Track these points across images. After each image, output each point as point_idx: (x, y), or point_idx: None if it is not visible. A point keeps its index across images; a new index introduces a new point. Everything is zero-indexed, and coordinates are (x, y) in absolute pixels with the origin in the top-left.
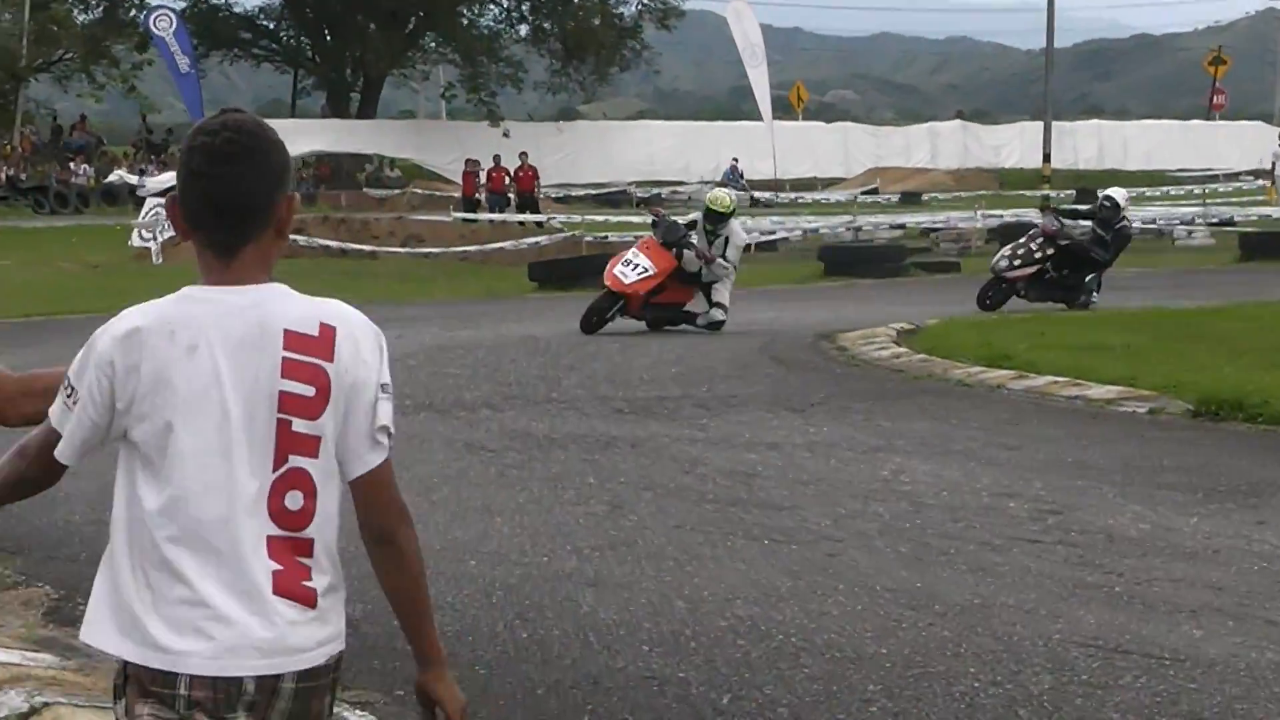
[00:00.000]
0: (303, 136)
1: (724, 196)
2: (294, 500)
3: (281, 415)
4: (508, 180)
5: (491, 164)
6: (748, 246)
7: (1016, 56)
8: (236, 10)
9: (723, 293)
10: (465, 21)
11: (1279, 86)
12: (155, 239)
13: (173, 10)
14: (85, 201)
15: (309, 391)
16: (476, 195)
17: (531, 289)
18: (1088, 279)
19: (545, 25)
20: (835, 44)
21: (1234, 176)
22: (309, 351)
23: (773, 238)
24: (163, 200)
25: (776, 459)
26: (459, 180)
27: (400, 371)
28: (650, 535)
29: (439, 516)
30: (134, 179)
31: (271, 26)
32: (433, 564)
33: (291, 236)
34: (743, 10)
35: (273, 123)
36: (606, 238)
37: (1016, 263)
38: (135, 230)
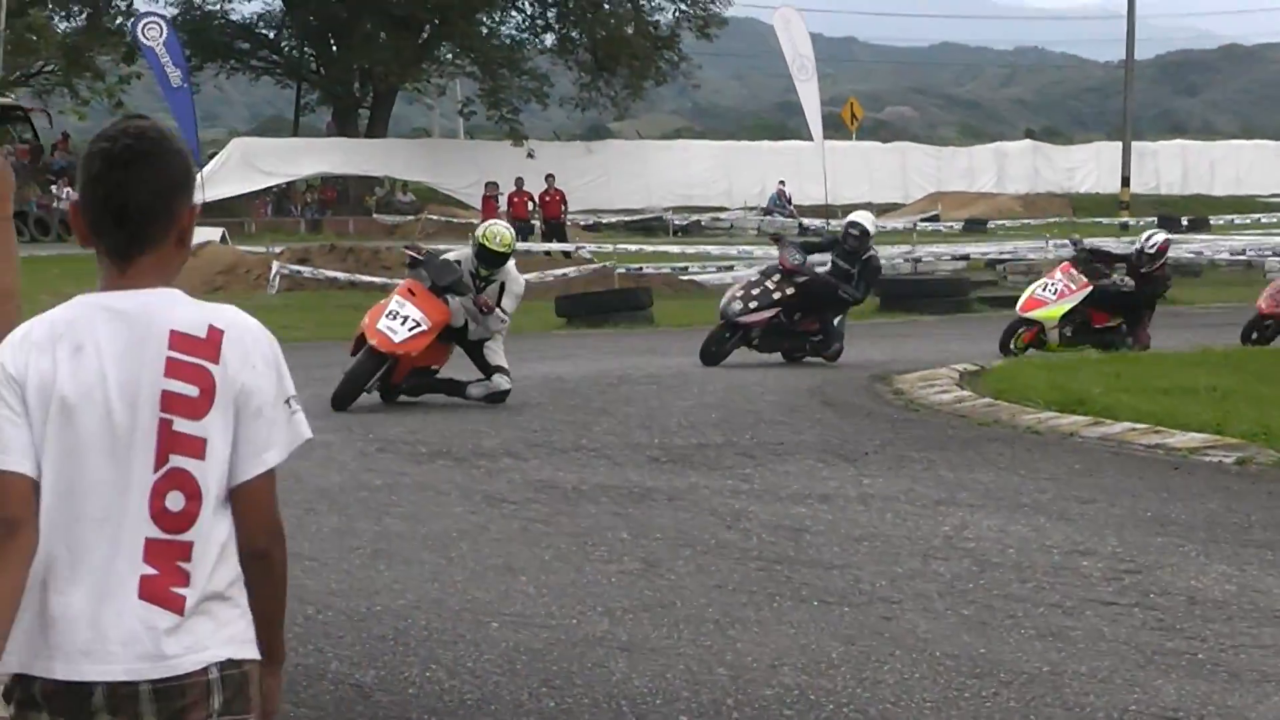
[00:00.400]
0: (307, 157)
1: (505, 233)
2: (175, 501)
3: (164, 414)
4: (532, 205)
5: (514, 187)
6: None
7: (1093, 69)
8: (233, 18)
9: (498, 353)
10: (485, 30)
11: None
12: None
13: (163, 18)
14: (68, 228)
15: (192, 391)
16: None
17: (559, 325)
18: (836, 322)
19: (573, 34)
20: (893, 55)
21: None
22: (194, 352)
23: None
24: None
25: (827, 513)
26: (478, 205)
27: (414, 416)
28: (689, 596)
29: (457, 575)
30: None
31: (271, 36)
32: (450, 626)
33: (295, 266)
34: (791, 18)
35: (270, 142)
36: (641, 269)
37: (752, 305)
38: None
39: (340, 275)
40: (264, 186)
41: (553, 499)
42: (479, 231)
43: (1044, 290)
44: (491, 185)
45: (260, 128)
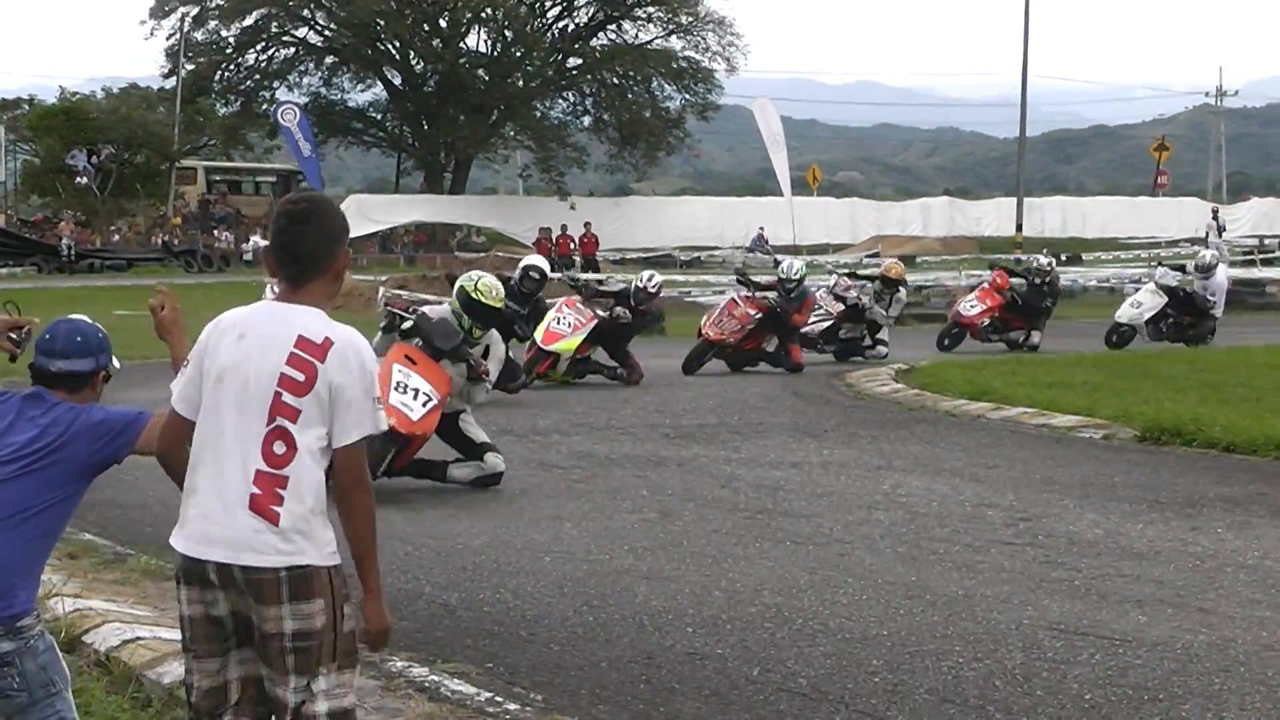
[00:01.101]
0: (404, 209)
1: (499, 285)
2: (279, 447)
3: (278, 389)
4: (573, 245)
5: (559, 231)
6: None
7: (995, 144)
8: (350, 104)
9: (476, 427)
10: (539, 114)
11: (1210, 170)
12: None
13: (297, 105)
14: (227, 262)
15: (300, 377)
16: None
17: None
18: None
19: (605, 117)
20: (845, 133)
21: (1174, 243)
22: (308, 351)
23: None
24: None
25: (797, 475)
26: (533, 245)
27: (486, 406)
28: (693, 538)
29: (519, 523)
30: (267, 244)
31: (379, 117)
32: (514, 560)
33: (396, 291)
34: (766, 106)
35: (378, 198)
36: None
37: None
38: (268, 286)
39: (430, 298)
40: (372, 231)
41: (590, 465)
42: (469, 284)
43: (558, 324)
44: (544, 230)
45: (370, 187)
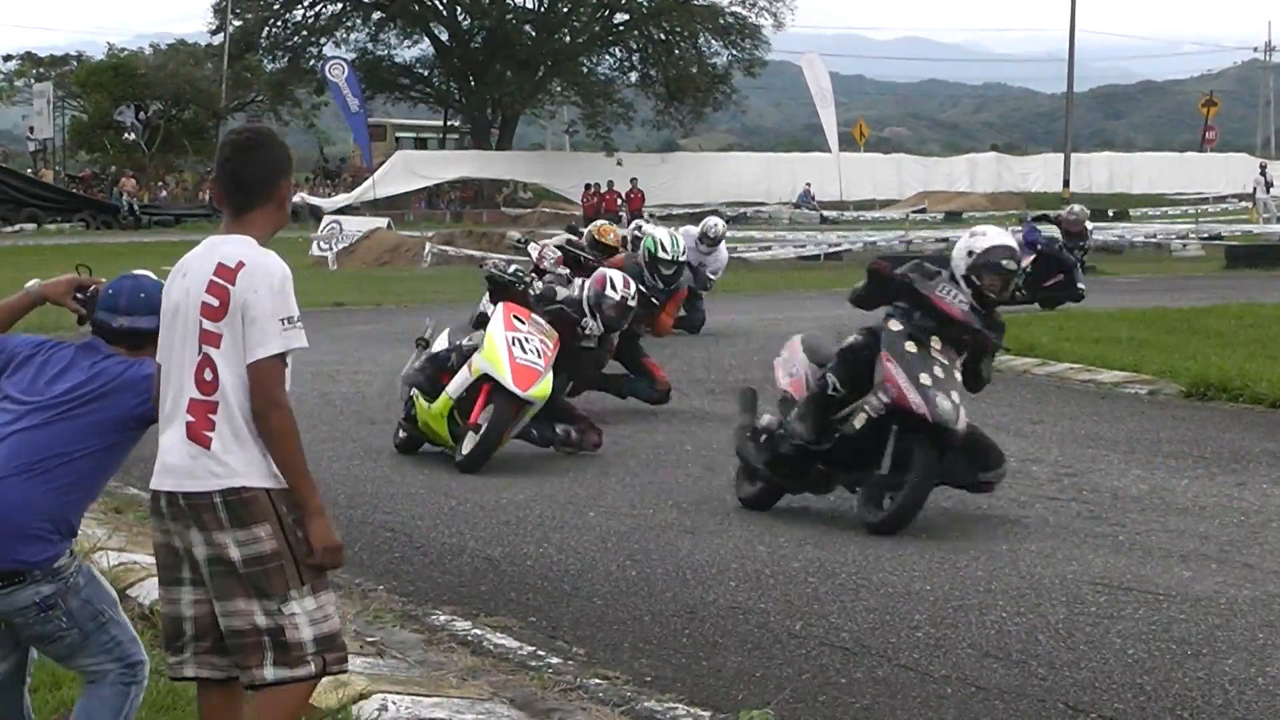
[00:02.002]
0: (451, 165)
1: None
2: (207, 374)
3: (200, 316)
4: (620, 201)
5: (605, 188)
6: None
7: (1042, 99)
8: (397, 60)
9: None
10: (585, 70)
11: (1259, 126)
12: (331, 249)
13: (345, 60)
14: None
15: (215, 303)
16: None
17: None
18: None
19: (651, 73)
20: (892, 89)
21: (1221, 199)
22: (223, 277)
23: (839, 249)
24: (337, 218)
25: None
26: (579, 201)
27: None
28: (732, 494)
29: (563, 478)
30: (315, 200)
31: (426, 74)
32: (558, 514)
33: (442, 247)
34: (815, 61)
35: (425, 154)
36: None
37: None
38: (314, 242)
39: (476, 253)
40: (419, 187)
41: (635, 420)
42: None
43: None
44: (590, 186)
45: (416, 142)
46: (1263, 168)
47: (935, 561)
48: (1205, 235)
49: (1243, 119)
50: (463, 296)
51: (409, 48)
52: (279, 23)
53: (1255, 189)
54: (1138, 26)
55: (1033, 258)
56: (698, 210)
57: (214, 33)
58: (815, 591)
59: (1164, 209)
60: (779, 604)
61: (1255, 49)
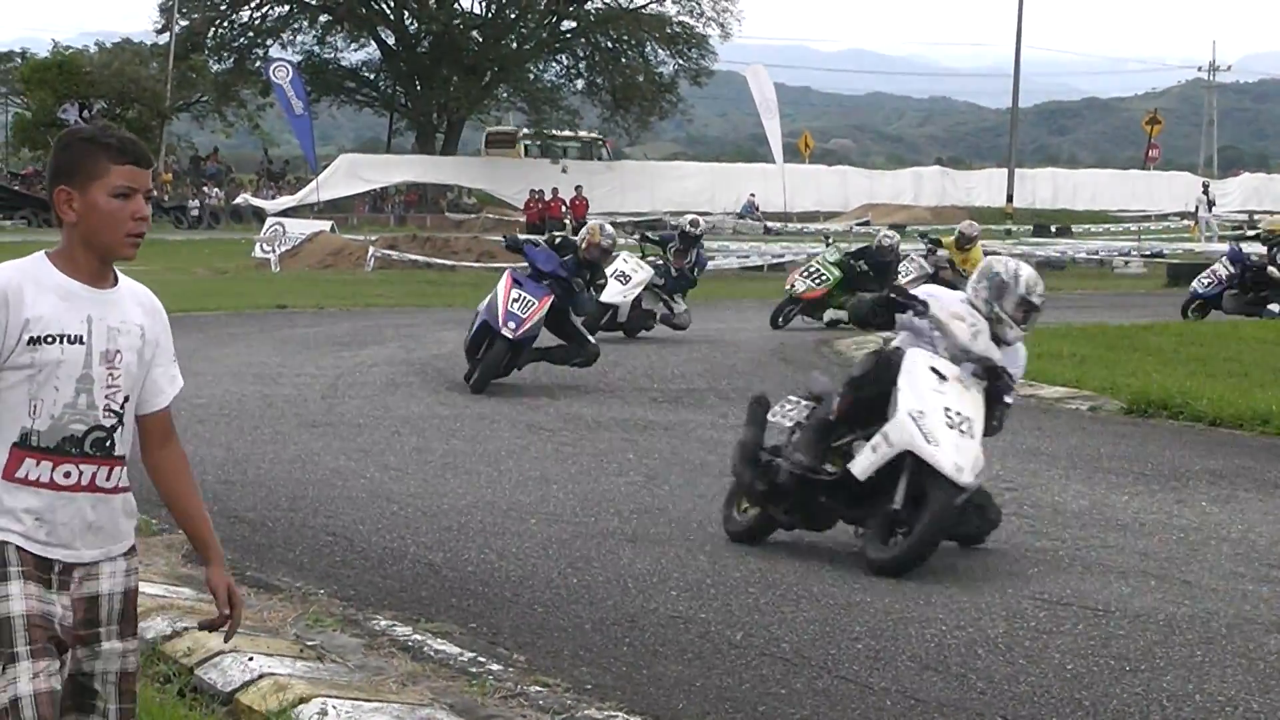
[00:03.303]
0: (396, 169)
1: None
2: None
3: None
4: (564, 209)
5: (550, 195)
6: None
7: (987, 114)
8: (343, 64)
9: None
10: (532, 76)
11: (1202, 144)
12: (274, 251)
13: (290, 63)
14: (216, 219)
15: None
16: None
17: None
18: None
19: (598, 80)
20: (838, 101)
21: (1164, 217)
22: None
23: (782, 260)
24: (281, 220)
25: None
26: (523, 207)
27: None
28: (679, 502)
29: (505, 483)
30: (258, 202)
31: (372, 77)
32: (500, 521)
33: (385, 251)
34: (760, 72)
35: (369, 157)
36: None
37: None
38: (257, 244)
39: (419, 258)
40: (364, 190)
41: (578, 427)
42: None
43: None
44: (535, 192)
45: (362, 146)
46: (1205, 186)
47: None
48: (1147, 253)
49: (1186, 137)
50: (406, 300)
51: (355, 51)
52: (225, 23)
53: (1197, 207)
54: (1083, 44)
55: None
56: (642, 219)
57: (160, 32)
58: (756, 602)
59: (1107, 226)
60: (720, 614)
61: (1199, 68)
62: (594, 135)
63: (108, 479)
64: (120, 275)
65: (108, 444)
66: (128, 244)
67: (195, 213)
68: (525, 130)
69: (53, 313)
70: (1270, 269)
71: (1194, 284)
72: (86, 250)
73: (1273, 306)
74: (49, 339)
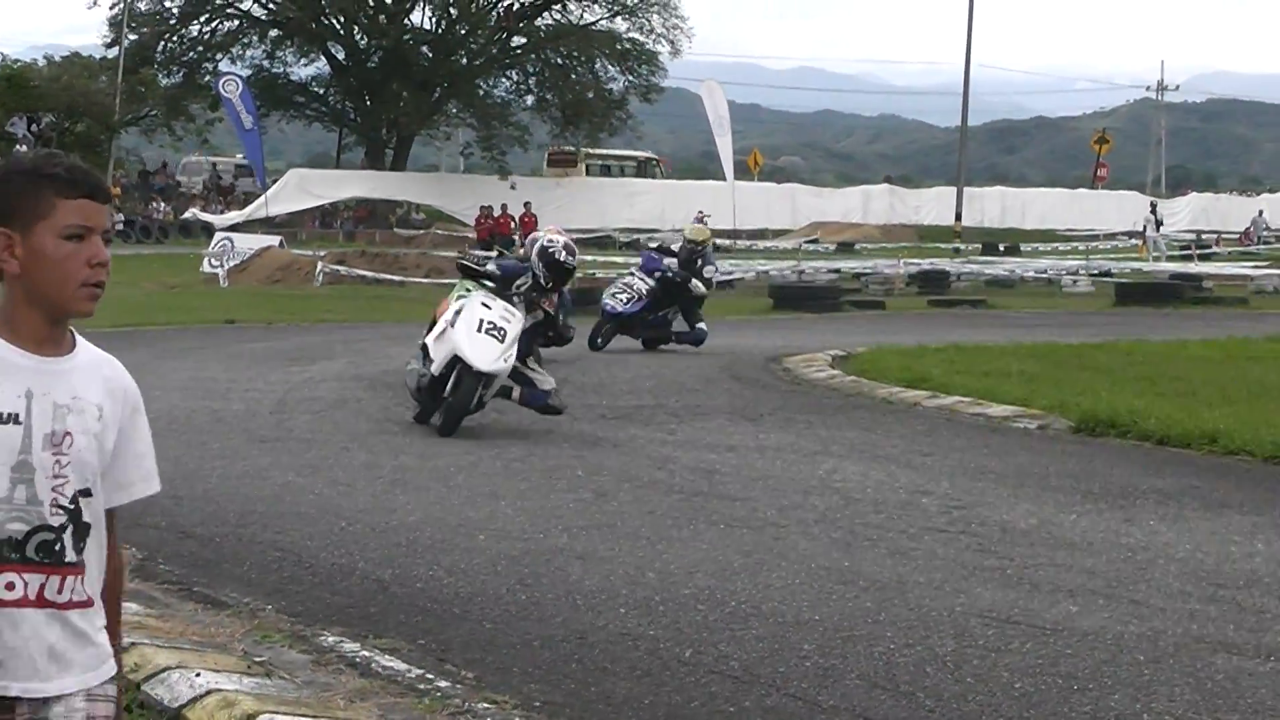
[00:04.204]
0: (345, 184)
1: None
2: None
3: None
4: (513, 224)
5: (499, 211)
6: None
7: (937, 132)
8: (293, 78)
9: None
10: (482, 92)
11: (1150, 163)
12: (222, 266)
13: (239, 77)
14: (165, 233)
15: None
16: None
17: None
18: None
19: (548, 96)
20: (787, 118)
21: (1112, 236)
22: None
23: (731, 277)
24: (229, 234)
25: (733, 459)
26: (473, 223)
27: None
28: (628, 519)
29: (455, 500)
30: (207, 217)
31: (321, 92)
32: (449, 537)
33: (334, 266)
34: (714, 89)
35: (319, 173)
36: (595, 274)
37: (624, 299)
38: (206, 258)
39: (368, 273)
40: (313, 205)
41: (527, 443)
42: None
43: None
44: (484, 208)
45: (312, 161)
46: (1153, 206)
47: (825, 591)
48: (1095, 272)
49: (1134, 156)
50: (354, 316)
51: (305, 66)
52: (175, 37)
53: (1145, 227)
54: (1033, 63)
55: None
56: (590, 235)
57: (109, 46)
58: (705, 619)
59: (1055, 245)
60: (669, 631)
61: (1148, 87)
62: (649, 155)
63: (59, 591)
64: (81, 341)
65: (57, 548)
66: (83, 297)
67: (144, 226)
68: (587, 150)
69: None
70: None
71: None
72: (31, 308)
73: None
74: None
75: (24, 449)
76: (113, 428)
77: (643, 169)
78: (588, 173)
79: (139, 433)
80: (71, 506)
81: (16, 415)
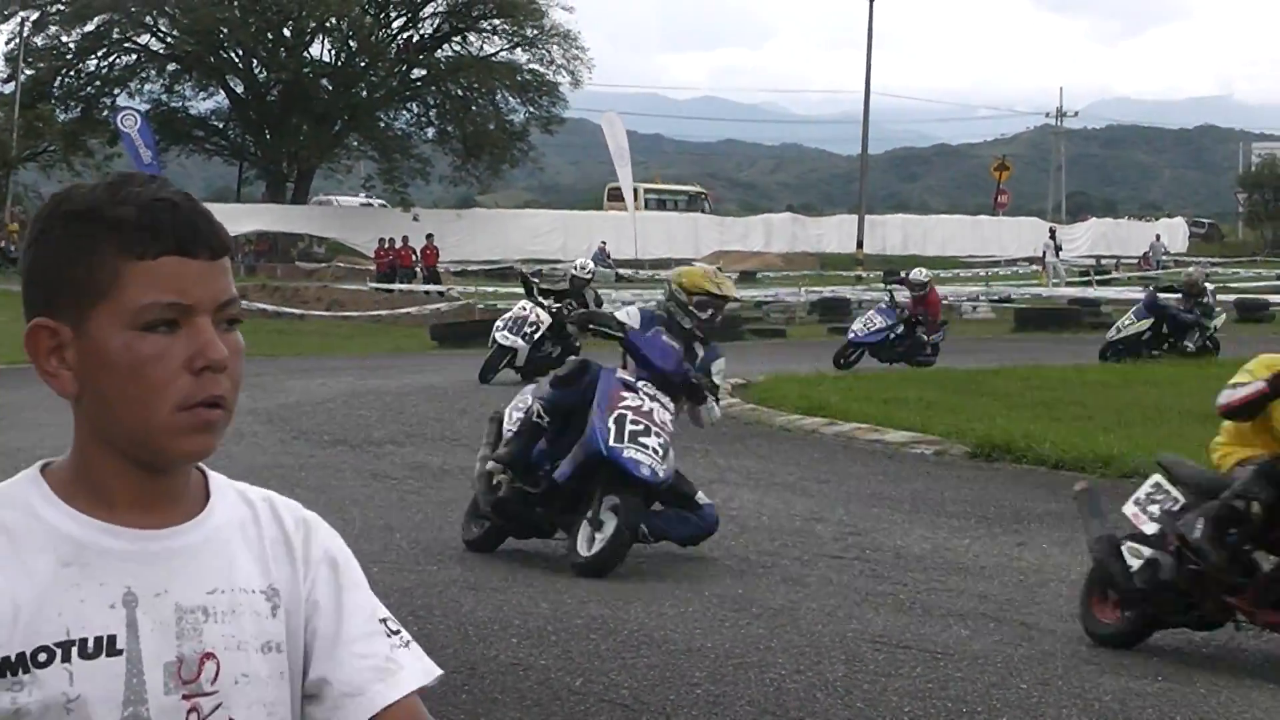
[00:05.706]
0: (246, 218)
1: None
2: None
3: None
4: (415, 257)
5: (400, 243)
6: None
7: (838, 161)
8: (192, 112)
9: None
10: (383, 124)
11: (1050, 190)
12: None
13: (138, 111)
14: None
15: None
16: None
17: (432, 347)
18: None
19: (449, 129)
20: (690, 148)
21: (1012, 262)
22: None
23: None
24: None
25: None
26: (374, 256)
27: (321, 413)
28: (522, 550)
29: (350, 533)
30: None
31: (221, 126)
32: None
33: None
34: (614, 120)
35: (219, 207)
36: (496, 305)
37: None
38: None
39: (269, 307)
40: None
41: (423, 476)
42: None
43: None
44: (385, 240)
45: (212, 195)
46: (1052, 232)
47: (717, 619)
48: (995, 297)
49: (1035, 183)
50: (254, 350)
51: (204, 100)
52: (72, 72)
53: (1045, 252)
54: (934, 90)
55: None
56: (493, 266)
57: (5, 81)
58: (597, 648)
59: (956, 271)
60: (560, 660)
61: (1047, 114)
62: (699, 190)
63: None
64: (217, 483)
65: None
66: (186, 427)
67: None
68: (644, 186)
69: (48, 597)
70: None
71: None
72: (107, 453)
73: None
74: (41, 656)
75: (133, 696)
76: (296, 615)
77: (693, 202)
78: (646, 207)
79: (352, 605)
80: None
81: (114, 639)
